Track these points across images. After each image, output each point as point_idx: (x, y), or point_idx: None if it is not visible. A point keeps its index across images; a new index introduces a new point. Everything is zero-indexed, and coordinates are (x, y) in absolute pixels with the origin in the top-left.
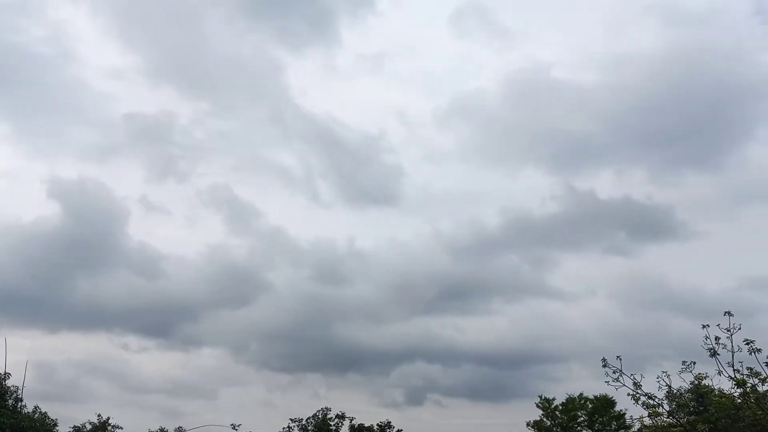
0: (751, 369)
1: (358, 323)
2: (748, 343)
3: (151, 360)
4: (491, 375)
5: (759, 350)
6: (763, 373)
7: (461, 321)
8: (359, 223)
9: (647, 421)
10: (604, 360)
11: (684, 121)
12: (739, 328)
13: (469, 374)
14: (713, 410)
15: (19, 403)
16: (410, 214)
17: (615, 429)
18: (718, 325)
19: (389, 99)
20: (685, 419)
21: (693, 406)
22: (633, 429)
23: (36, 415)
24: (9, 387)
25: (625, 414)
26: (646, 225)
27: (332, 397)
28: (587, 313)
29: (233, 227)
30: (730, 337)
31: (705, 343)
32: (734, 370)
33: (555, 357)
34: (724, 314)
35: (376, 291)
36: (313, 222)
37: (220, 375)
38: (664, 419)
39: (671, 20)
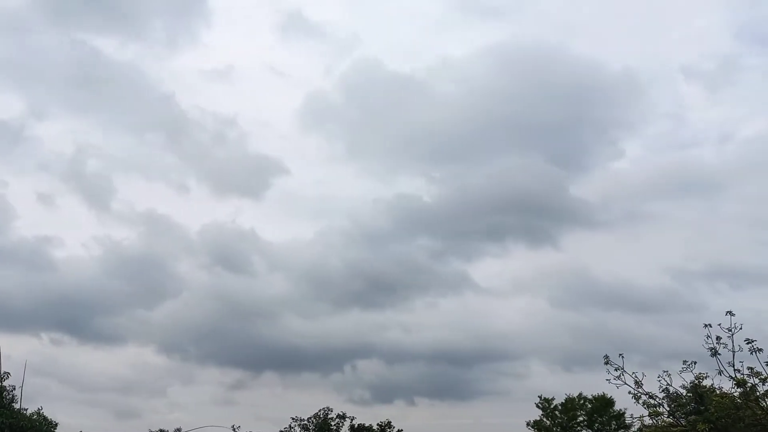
0: (751, 369)
1: (285, 318)
2: (749, 343)
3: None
4: (447, 373)
5: (760, 350)
6: (763, 372)
7: (396, 317)
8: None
9: (647, 420)
10: (606, 357)
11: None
12: (740, 328)
13: (423, 372)
14: (713, 410)
15: (18, 404)
16: (300, 209)
17: (614, 429)
18: (719, 325)
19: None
20: (685, 419)
21: (693, 406)
22: (633, 429)
23: (36, 417)
24: (6, 387)
25: (624, 414)
26: (555, 216)
27: (290, 396)
28: (519, 309)
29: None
30: (731, 337)
31: (706, 343)
32: (735, 370)
33: (504, 354)
34: (726, 314)
35: (292, 284)
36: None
37: (163, 373)
38: (665, 419)
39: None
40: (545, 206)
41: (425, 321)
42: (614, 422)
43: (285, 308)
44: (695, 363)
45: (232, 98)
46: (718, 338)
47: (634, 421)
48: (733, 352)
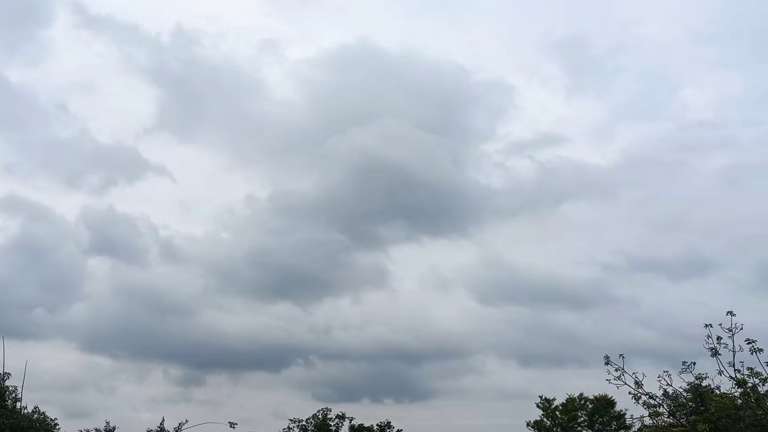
0: (751, 369)
1: (204, 313)
2: (749, 343)
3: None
4: (400, 371)
5: (761, 350)
6: (763, 372)
7: (322, 313)
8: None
9: (647, 420)
10: (606, 358)
11: None
12: (741, 328)
13: (371, 370)
14: (713, 410)
15: (18, 404)
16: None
17: (615, 429)
18: (720, 325)
19: None
20: (686, 419)
21: (691, 406)
22: (633, 429)
23: (36, 416)
24: (8, 387)
25: (624, 414)
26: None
27: (241, 393)
28: (451, 305)
29: None
30: (731, 337)
31: (707, 343)
32: (735, 370)
33: (453, 352)
34: (726, 314)
35: (198, 278)
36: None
37: (101, 371)
38: (665, 419)
39: None
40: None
41: (353, 317)
42: (615, 423)
43: (202, 303)
44: (695, 363)
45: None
46: (719, 338)
47: (635, 421)
48: (734, 352)
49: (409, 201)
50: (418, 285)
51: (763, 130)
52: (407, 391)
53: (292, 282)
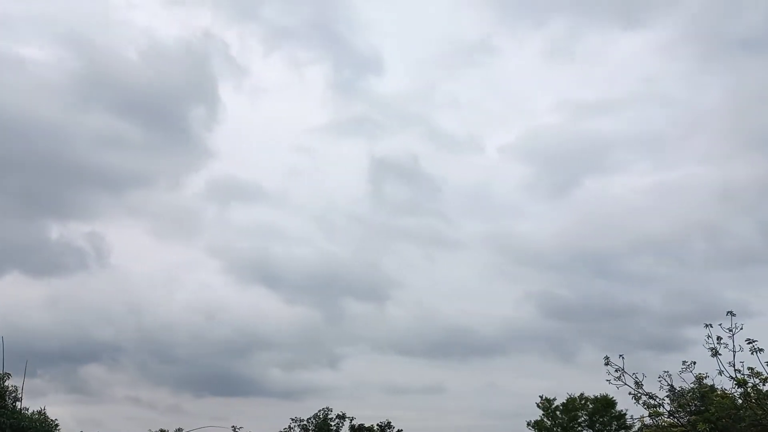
0: (752, 369)
1: None
2: (750, 343)
3: None
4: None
5: (761, 350)
6: (764, 372)
7: None
8: None
9: (648, 420)
10: (606, 358)
11: None
12: (741, 328)
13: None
14: (714, 410)
15: (19, 403)
16: None
17: (615, 429)
18: (720, 325)
19: None
20: (686, 419)
21: (696, 405)
22: (633, 429)
23: (36, 416)
24: (8, 387)
25: (625, 414)
26: None
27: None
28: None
29: None
30: (731, 337)
31: (707, 343)
32: (735, 370)
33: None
34: (727, 314)
35: None
36: None
37: None
38: (665, 419)
39: None
40: None
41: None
42: (615, 423)
43: None
44: (695, 363)
45: None
46: (719, 338)
47: (635, 421)
48: (734, 352)
49: None
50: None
51: None
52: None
53: None
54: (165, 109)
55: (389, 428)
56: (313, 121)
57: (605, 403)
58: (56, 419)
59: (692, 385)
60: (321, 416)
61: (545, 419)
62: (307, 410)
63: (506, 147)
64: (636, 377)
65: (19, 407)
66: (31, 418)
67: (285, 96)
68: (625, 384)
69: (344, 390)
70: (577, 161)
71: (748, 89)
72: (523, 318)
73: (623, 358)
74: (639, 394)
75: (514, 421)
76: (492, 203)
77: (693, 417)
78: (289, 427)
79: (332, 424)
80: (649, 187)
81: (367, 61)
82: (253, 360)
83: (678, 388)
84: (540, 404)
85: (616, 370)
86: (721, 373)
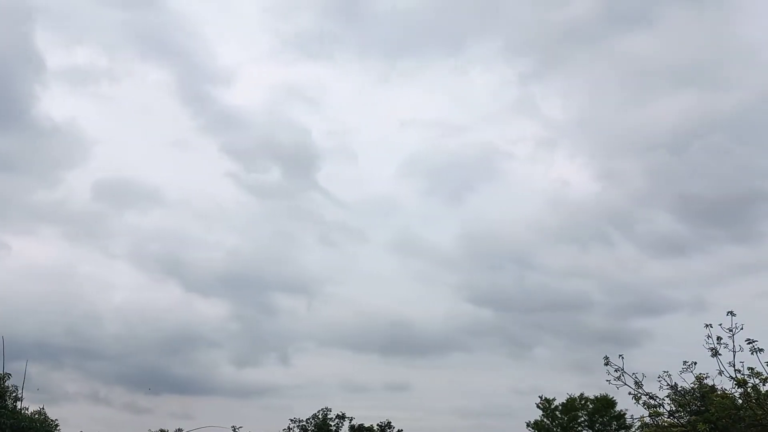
0: (752, 369)
1: None
2: (750, 343)
3: None
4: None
5: (761, 350)
6: (764, 373)
7: None
8: None
9: (648, 421)
10: (606, 359)
11: None
12: (741, 328)
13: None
14: (714, 410)
15: (19, 403)
16: None
17: (615, 429)
18: (720, 325)
19: None
20: (686, 419)
21: (697, 405)
22: (633, 429)
23: (36, 416)
24: (8, 387)
25: (625, 414)
26: None
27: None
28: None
29: None
30: (732, 337)
31: (707, 343)
32: (735, 370)
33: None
34: (727, 314)
35: None
36: None
37: None
38: (665, 419)
39: None
40: None
41: None
42: (615, 423)
43: None
44: (695, 363)
45: None
46: (719, 338)
47: (635, 421)
48: (734, 352)
49: None
50: None
51: None
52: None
53: None
54: None
55: (389, 428)
56: None
57: (605, 403)
58: (56, 419)
59: (692, 385)
60: (320, 416)
61: (545, 419)
62: (266, 408)
63: None
64: (636, 377)
65: (19, 407)
66: (32, 418)
67: None
68: (625, 384)
69: (303, 389)
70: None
71: None
72: (469, 313)
73: (623, 358)
74: (639, 394)
75: (483, 420)
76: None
77: (693, 417)
78: (289, 427)
79: (332, 424)
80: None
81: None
82: (193, 357)
83: (680, 387)
84: (539, 404)
85: (616, 371)
86: (721, 373)
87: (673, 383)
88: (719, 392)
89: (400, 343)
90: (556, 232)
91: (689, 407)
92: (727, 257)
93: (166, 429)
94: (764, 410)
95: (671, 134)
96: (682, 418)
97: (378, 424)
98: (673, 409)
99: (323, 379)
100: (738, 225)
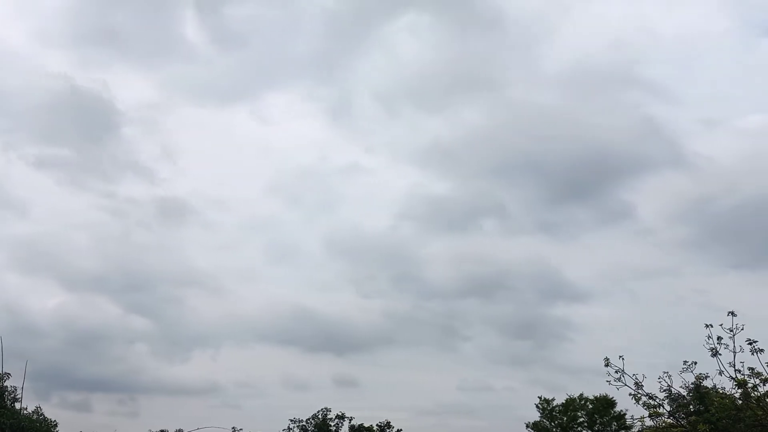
0: (752, 369)
1: None
2: (750, 343)
3: None
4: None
5: (761, 350)
6: (764, 373)
7: None
8: None
9: (648, 421)
10: (606, 359)
11: None
12: (742, 329)
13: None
14: (714, 410)
15: (18, 403)
16: None
17: (615, 429)
18: (721, 325)
19: None
20: (686, 420)
21: (695, 405)
22: (633, 429)
23: (36, 416)
24: (7, 387)
25: (625, 414)
26: None
27: None
28: None
29: None
30: (732, 337)
31: (707, 343)
32: (735, 370)
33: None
34: (728, 314)
35: None
36: None
37: None
38: (665, 419)
39: None
40: None
41: None
42: (615, 423)
43: None
44: (695, 363)
45: None
46: (719, 338)
47: (635, 422)
48: (734, 352)
49: None
50: None
51: None
52: None
53: None
54: None
55: (389, 428)
56: None
57: (605, 404)
58: (55, 419)
59: (691, 385)
60: (320, 416)
61: (544, 420)
62: (209, 408)
63: None
64: (636, 378)
65: (18, 407)
66: (31, 419)
67: None
68: (625, 385)
69: (242, 387)
70: None
71: None
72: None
73: (623, 359)
74: (639, 395)
75: (441, 417)
76: None
77: (693, 417)
78: (289, 427)
79: (331, 424)
80: None
81: None
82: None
83: (675, 392)
84: (538, 405)
85: (616, 371)
86: (721, 373)
87: (668, 386)
88: (719, 392)
89: (329, 337)
90: None
91: (688, 408)
92: None
93: (166, 429)
94: (764, 410)
95: None
96: (682, 418)
97: (378, 424)
98: (673, 409)
99: (259, 375)
100: None
